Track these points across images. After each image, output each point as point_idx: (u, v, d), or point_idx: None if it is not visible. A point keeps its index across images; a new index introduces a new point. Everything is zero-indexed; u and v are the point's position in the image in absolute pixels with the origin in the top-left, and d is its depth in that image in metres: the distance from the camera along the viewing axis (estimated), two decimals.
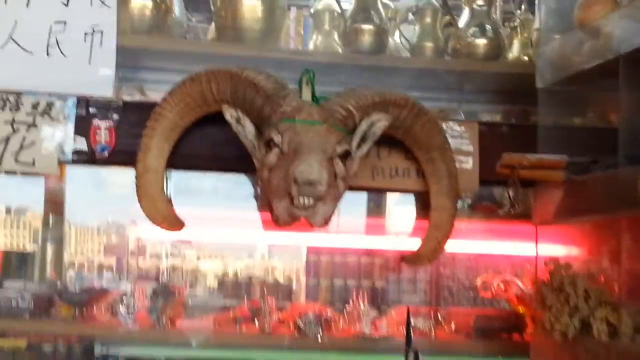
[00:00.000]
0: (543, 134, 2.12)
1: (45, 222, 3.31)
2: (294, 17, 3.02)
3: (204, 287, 3.41)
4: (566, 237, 2.17)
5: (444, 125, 2.11)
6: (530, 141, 2.10)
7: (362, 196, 3.21)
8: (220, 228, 2.77)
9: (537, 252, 2.28)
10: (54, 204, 3.17)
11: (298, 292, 3.16)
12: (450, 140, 2.08)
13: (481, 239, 2.87)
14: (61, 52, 2.05)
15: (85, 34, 2.07)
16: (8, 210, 4.55)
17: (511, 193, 1.99)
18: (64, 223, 3.27)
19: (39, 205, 3.23)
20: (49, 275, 3.22)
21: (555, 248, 2.21)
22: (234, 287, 3.16)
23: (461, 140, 2.19)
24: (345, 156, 1.87)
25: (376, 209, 3.29)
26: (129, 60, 2.16)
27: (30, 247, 3.52)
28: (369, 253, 3.06)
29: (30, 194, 3.17)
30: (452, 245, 2.12)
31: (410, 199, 2.35)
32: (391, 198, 3.28)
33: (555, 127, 2.16)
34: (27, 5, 2.06)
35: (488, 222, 2.81)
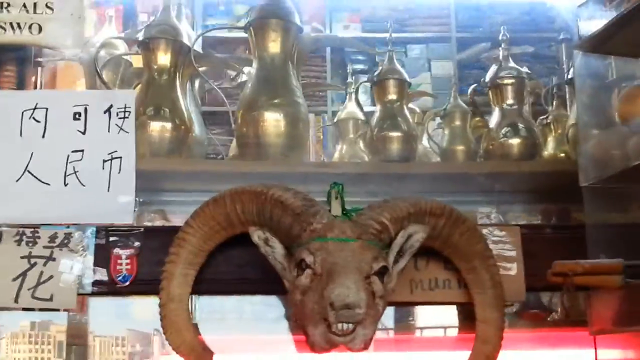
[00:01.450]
0: (592, 234, 1.99)
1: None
2: (313, 123, 2.98)
3: None
4: (628, 344, 2.03)
5: (484, 231, 1.99)
6: (576, 242, 1.98)
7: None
8: (252, 353, 2.63)
9: None
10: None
11: None
12: (491, 246, 1.95)
13: (530, 348, 2.71)
14: (79, 181, 1.99)
15: (104, 161, 2.00)
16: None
17: (566, 302, 1.84)
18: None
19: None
20: None
21: (615, 353, 2.08)
22: None
23: (503, 246, 2.06)
24: (383, 273, 1.75)
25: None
26: (149, 185, 2.09)
27: None
28: None
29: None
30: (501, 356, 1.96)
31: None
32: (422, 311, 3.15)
33: (604, 226, 2.03)
34: (43, 136, 2.01)
35: (536, 330, 2.65)
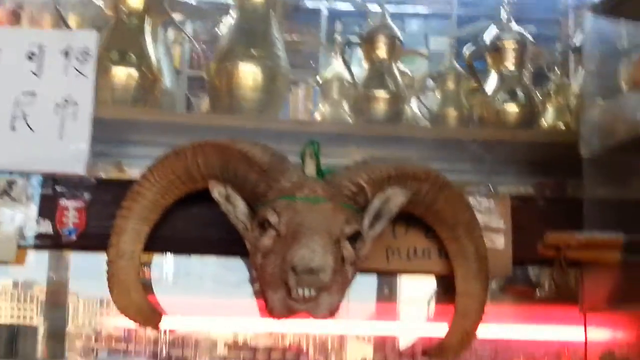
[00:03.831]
0: (590, 208, 1.84)
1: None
2: (303, 95, 2.82)
3: None
4: (619, 323, 1.90)
5: (471, 200, 1.83)
6: (570, 217, 1.83)
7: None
8: (211, 316, 2.49)
9: (586, 342, 2.00)
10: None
11: None
12: (478, 216, 1.79)
13: (513, 323, 2.59)
14: (28, 126, 1.82)
15: (57, 105, 1.83)
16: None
17: (557, 277, 1.69)
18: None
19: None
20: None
21: (605, 334, 1.96)
22: None
23: (491, 217, 1.90)
24: (355, 238, 1.58)
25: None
26: (108, 134, 1.93)
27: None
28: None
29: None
30: (483, 331, 1.82)
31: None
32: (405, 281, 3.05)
33: (603, 201, 1.87)
34: None
35: (522, 305, 2.52)
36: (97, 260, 1.68)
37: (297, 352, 3.81)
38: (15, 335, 3.45)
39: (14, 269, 3.06)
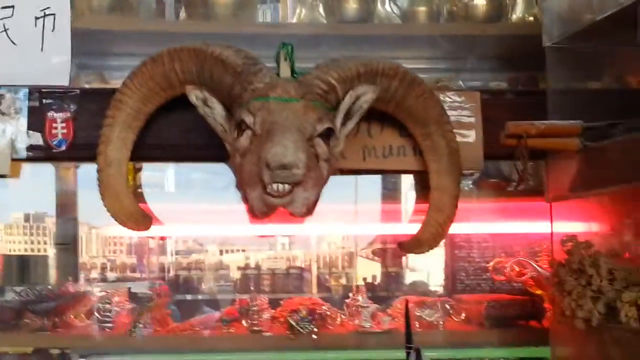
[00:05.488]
0: (553, 99, 1.91)
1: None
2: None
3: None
4: (584, 213, 1.95)
5: (441, 96, 1.89)
6: (540, 109, 1.89)
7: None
8: (197, 223, 2.58)
9: (552, 231, 2.07)
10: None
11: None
12: (449, 112, 1.86)
13: (489, 219, 2.67)
14: (10, 39, 1.86)
15: (36, 18, 1.87)
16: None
17: (519, 166, 1.76)
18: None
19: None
20: None
21: (572, 225, 2.00)
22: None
23: (461, 112, 1.97)
24: (328, 135, 1.66)
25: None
26: (87, 46, 1.98)
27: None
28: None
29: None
30: (457, 228, 1.93)
31: None
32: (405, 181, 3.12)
33: (566, 91, 1.94)
34: None
35: (496, 200, 2.60)
36: None
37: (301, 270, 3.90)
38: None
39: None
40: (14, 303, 2.53)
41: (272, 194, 1.56)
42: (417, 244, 1.89)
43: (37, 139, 1.83)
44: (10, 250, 4.23)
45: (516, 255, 2.66)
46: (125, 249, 4.25)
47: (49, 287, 2.81)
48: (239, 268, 3.89)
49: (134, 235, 3.13)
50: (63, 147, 1.84)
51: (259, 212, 1.63)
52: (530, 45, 2.04)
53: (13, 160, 1.82)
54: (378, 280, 3.51)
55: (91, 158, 1.74)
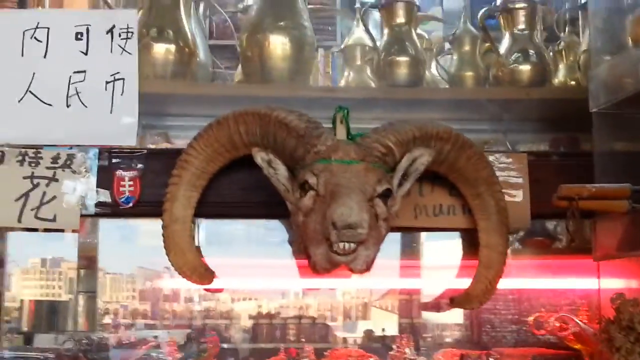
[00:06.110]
0: (600, 161, 1.96)
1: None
2: (322, 58, 2.92)
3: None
4: (631, 271, 2.00)
5: (490, 158, 1.97)
6: (584, 170, 1.95)
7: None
8: (254, 277, 2.63)
9: (599, 288, 2.11)
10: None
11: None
12: (497, 173, 1.93)
13: (533, 275, 2.70)
14: (81, 102, 1.97)
15: (106, 82, 1.98)
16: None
17: (571, 227, 1.81)
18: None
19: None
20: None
21: (619, 282, 2.04)
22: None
23: (509, 173, 2.04)
24: (386, 196, 1.73)
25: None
26: (152, 108, 2.07)
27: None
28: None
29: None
30: (503, 283, 1.95)
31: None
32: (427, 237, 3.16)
33: (612, 154, 1.99)
34: (45, 56, 1.99)
35: (541, 257, 2.63)
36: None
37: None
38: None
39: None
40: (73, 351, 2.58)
41: (338, 252, 1.63)
42: (467, 300, 1.93)
43: (105, 196, 1.92)
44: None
45: (557, 310, 2.67)
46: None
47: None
48: (250, 317, 3.95)
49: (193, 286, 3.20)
50: (130, 204, 1.92)
51: (321, 268, 1.69)
52: (572, 108, 2.10)
53: (82, 216, 1.91)
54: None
55: (156, 214, 1.81)
